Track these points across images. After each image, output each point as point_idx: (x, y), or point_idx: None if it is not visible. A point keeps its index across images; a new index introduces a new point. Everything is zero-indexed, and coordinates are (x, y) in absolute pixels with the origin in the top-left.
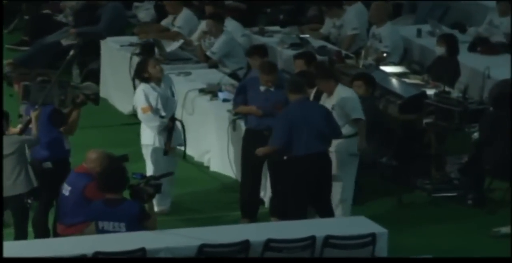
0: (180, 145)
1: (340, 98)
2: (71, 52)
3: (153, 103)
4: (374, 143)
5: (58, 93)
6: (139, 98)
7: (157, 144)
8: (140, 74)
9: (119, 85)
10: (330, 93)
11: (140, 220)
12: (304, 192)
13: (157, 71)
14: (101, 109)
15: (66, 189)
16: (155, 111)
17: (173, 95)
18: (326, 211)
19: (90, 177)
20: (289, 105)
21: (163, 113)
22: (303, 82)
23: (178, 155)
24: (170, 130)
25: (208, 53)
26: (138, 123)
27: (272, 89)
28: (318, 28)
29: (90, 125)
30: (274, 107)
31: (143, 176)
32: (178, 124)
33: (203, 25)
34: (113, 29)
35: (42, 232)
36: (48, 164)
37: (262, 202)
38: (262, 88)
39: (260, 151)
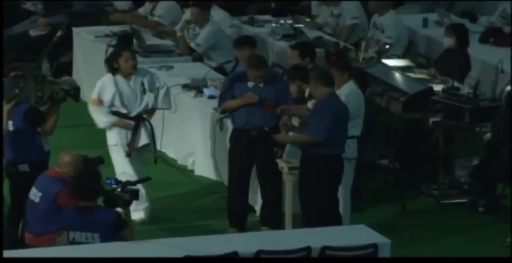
0: (146, 145)
1: (344, 95)
2: (59, 33)
3: (106, 98)
4: (371, 142)
5: (34, 89)
6: (95, 88)
7: (119, 144)
8: (110, 63)
9: (94, 80)
10: (339, 87)
11: (116, 229)
12: (329, 195)
13: (128, 67)
14: (74, 107)
15: (35, 195)
16: (108, 105)
17: (144, 92)
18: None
19: (64, 182)
20: (327, 98)
21: (123, 111)
22: (332, 73)
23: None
24: (135, 129)
25: (192, 45)
26: None
27: (261, 85)
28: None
29: (62, 125)
30: (263, 105)
31: (118, 181)
32: (147, 123)
33: (187, 14)
34: (86, 19)
35: (11, 242)
36: (24, 167)
37: (252, 209)
38: (250, 84)
39: (282, 138)
